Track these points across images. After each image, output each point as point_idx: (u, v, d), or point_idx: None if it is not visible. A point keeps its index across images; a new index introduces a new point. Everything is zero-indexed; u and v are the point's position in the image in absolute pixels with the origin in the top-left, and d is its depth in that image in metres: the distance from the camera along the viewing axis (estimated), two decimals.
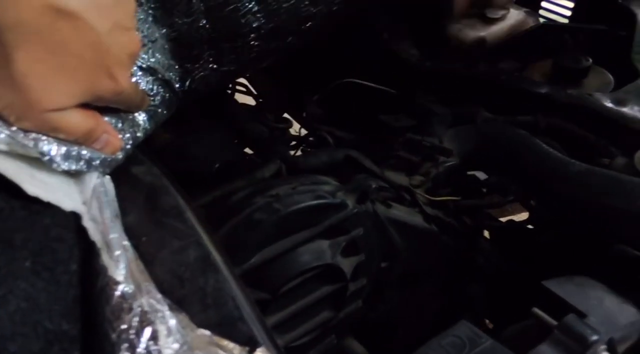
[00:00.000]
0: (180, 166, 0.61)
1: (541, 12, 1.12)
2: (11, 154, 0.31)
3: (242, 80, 0.92)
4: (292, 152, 0.79)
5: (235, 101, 0.77)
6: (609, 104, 0.80)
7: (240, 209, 0.50)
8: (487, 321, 0.81)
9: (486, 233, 0.85)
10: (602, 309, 0.49)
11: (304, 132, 0.89)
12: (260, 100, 0.91)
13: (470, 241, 0.73)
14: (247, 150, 0.77)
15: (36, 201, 0.30)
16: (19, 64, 0.28)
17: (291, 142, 0.83)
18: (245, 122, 0.71)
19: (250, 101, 0.92)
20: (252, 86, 1.03)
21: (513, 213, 0.99)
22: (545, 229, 0.80)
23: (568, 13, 1.10)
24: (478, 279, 0.74)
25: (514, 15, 1.05)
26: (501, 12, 1.04)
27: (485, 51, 0.99)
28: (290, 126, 0.82)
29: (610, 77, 0.93)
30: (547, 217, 0.81)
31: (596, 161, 0.70)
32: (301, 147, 0.82)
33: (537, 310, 0.47)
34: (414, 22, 1.09)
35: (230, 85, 0.90)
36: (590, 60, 0.93)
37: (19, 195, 0.29)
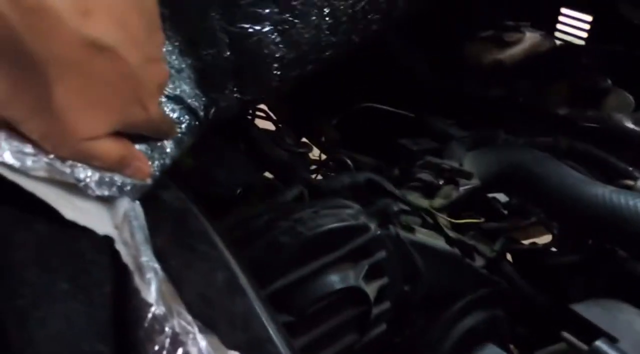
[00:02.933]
0: (203, 190, 0.62)
1: (558, 34, 1.13)
2: (50, 180, 0.32)
3: (262, 106, 0.94)
4: (312, 176, 0.80)
5: (256, 126, 0.79)
6: (630, 125, 0.80)
7: (264, 232, 0.51)
8: (511, 346, 0.80)
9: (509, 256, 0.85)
10: (633, 332, 0.48)
11: (323, 156, 0.90)
12: (280, 125, 0.93)
13: (493, 265, 0.72)
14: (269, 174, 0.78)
15: (73, 225, 0.31)
16: (57, 97, 0.29)
17: (311, 166, 0.84)
18: (265, 147, 0.72)
19: (270, 126, 0.94)
20: (272, 112, 1.05)
21: (535, 235, 0.98)
22: (569, 251, 0.79)
23: (584, 35, 1.10)
24: (502, 303, 0.73)
25: (530, 38, 1.06)
26: (517, 36, 1.05)
27: (503, 73, 1.00)
28: (311, 150, 0.83)
29: (631, 98, 0.93)
30: (571, 240, 0.80)
31: (618, 183, 0.70)
32: (321, 172, 0.83)
33: (566, 334, 0.46)
34: (432, 46, 1.10)
35: (251, 111, 0.91)
36: (609, 81, 0.93)
37: (58, 220, 0.30)
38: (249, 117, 0.91)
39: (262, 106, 0.95)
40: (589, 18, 1.09)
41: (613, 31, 1.05)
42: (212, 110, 0.60)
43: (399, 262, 0.59)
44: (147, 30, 0.33)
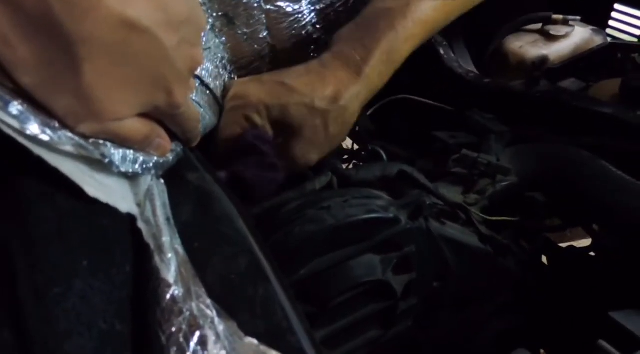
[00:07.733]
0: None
1: (610, 31, 1.08)
2: (74, 156, 0.31)
3: None
4: (344, 166, 0.78)
5: None
6: None
7: (291, 220, 0.50)
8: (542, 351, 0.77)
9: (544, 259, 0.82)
10: None
11: (356, 147, 0.88)
12: None
13: (527, 265, 0.69)
14: None
15: (95, 202, 0.31)
16: (86, 76, 0.29)
17: (344, 156, 0.82)
18: None
19: None
20: None
21: (573, 239, 0.94)
22: (609, 256, 0.75)
23: (638, 32, 1.05)
24: (533, 306, 0.70)
25: (579, 33, 1.01)
26: (565, 30, 1.01)
27: (548, 70, 0.96)
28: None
29: None
30: (612, 245, 0.76)
31: None
32: (353, 162, 0.82)
33: (603, 343, 0.44)
34: (473, 39, 1.07)
35: None
36: None
37: (81, 196, 0.30)
38: None
39: None
40: None
41: None
42: None
43: (428, 258, 0.57)
44: (188, 13, 0.33)
